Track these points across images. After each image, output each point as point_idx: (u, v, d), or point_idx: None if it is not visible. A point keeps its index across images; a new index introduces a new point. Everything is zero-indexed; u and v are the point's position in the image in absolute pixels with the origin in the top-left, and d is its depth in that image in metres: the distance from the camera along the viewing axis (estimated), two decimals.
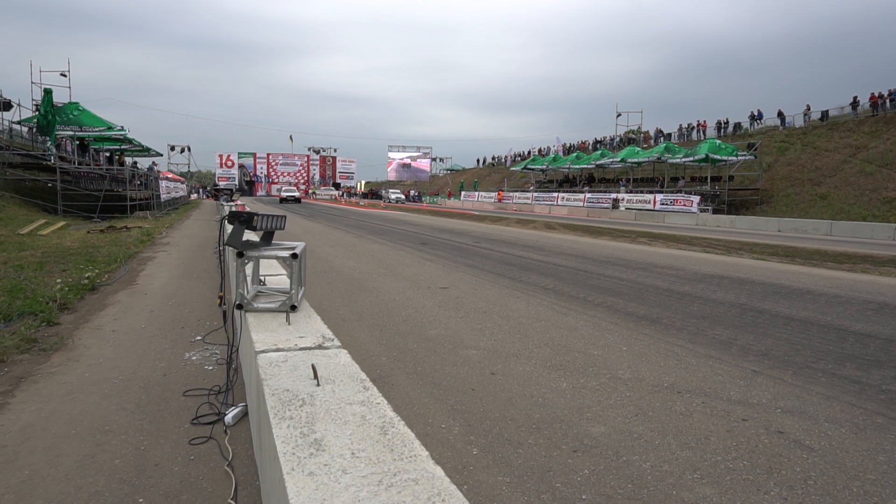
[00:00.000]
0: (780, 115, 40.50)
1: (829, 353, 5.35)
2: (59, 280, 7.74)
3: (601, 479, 2.95)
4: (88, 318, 6.17)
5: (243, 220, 3.34)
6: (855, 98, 35.67)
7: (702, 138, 43.18)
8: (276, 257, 3.43)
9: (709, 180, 35.59)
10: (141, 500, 2.67)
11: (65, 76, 32.95)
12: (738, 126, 43.84)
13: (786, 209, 30.76)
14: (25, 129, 28.10)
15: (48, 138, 23.21)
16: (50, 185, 21.95)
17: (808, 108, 38.69)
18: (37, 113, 24.64)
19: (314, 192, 76.01)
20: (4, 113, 26.21)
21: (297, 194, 56.02)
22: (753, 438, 3.46)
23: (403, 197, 65.42)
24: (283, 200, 51.95)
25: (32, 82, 30.88)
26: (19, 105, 26.85)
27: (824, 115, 37.53)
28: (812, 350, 5.42)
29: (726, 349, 5.42)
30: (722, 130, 44.24)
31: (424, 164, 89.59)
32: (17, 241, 12.80)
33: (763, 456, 3.24)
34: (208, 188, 76.36)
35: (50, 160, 22.51)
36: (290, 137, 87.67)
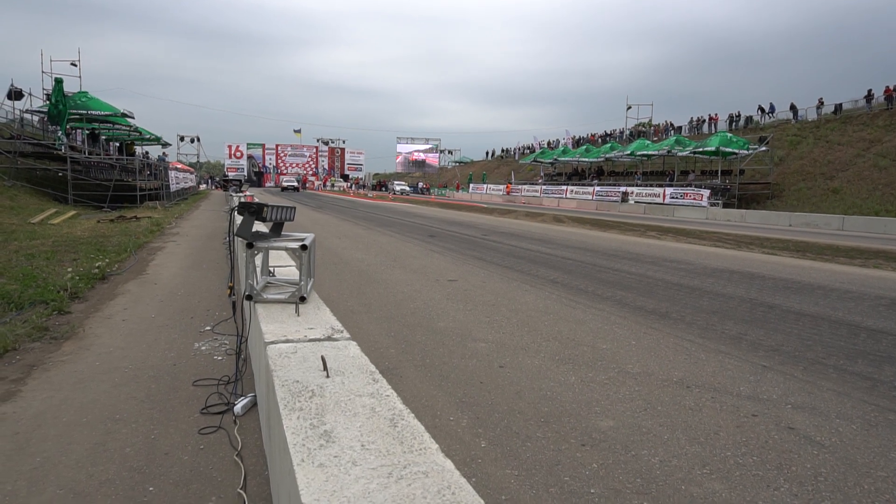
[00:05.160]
0: (793, 108, 40.07)
1: (841, 348, 5.30)
2: (69, 269, 7.80)
3: (610, 474, 2.94)
4: (99, 308, 6.21)
5: (253, 210, 3.34)
6: (869, 91, 35.19)
7: (713, 131, 42.81)
8: (286, 248, 3.43)
9: (719, 174, 35.31)
10: (151, 489, 2.69)
11: (75, 66, 33.04)
12: (749, 119, 43.42)
13: (797, 203, 30.46)
14: (37, 119, 28.27)
15: (59, 128, 23.34)
16: (61, 174, 22.09)
17: (821, 102, 38.24)
18: (48, 102, 24.77)
19: (332, 184, 76.51)
20: (16, 102, 26.38)
21: (296, 184, 64.68)
22: (763, 434, 3.44)
23: (409, 188, 65.94)
24: (284, 189, 61.28)
25: (43, 72, 31.03)
26: (30, 94, 27.02)
27: (837, 108, 37.08)
28: (823, 346, 5.38)
29: (736, 344, 5.38)
30: (733, 124, 43.84)
31: (433, 158, 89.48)
32: (28, 229, 12.90)
33: (773, 452, 3.21)
34: (217, 179, 76.56)
35: (61, 150, 22.64)
36: (298, 131, 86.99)
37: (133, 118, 28.24)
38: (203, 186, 63.57)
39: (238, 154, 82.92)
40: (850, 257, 12.23)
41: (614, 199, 38.49)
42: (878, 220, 23.27)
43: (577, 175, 50.99)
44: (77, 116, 24.76)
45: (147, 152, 39.11)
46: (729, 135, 36.28)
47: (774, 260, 11.90)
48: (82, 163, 23.68)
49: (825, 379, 4.46)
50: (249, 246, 3.26)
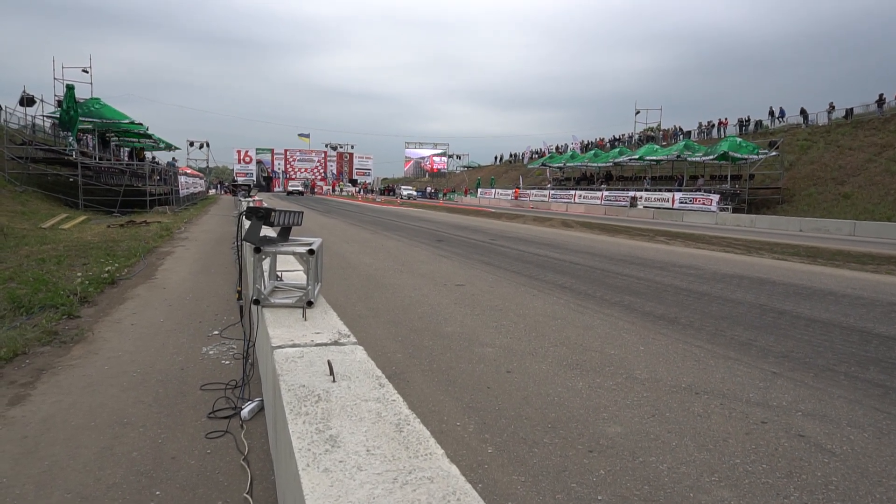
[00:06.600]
0: (803, 112, 39.79)
1: (852, 355, 5.24)
2: (79, 273, 7.86)
3: (617, 480, 2.92)
4: (108, 312, 6.25)
5: (261, 215, 3.35)
6: (881, 96, 34.89)
7: (722, 136, 42.58)
8: (293, 253, 3.44)
9: (729, 179, 35.09)
10: (158, 493, 2.69)
11: (86, 72, 33.32)
12: (759, 124, 43.12)
13: (808, 209, 30.21)
14: (48, 125, 28.55)
15: (70, 133, 23.56)
16: (71, 179, 22.28)
17: (832, 106, 37.95)
18: (59, 108, 25.01)
19: (341, 189, 77.61)
20: (28, 108, 26.66)
21: (301, 188, 69.88)
22: (773, 441, 3.40)
23: (416, 193, 66.46)
24: (290, 193, 65.81)
25: (55, 78, 31.31)
26: (42, 101, 27.30)
27: (849, 112, 36.76)
28: (834, 352, 5.32)
29: (746, 350, 5.34)
30: (743, 128, 43.58)
31: (442, 162, 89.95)
32: (39, 234, 13.02)
33: (783, 459, 3.18)
34: (226, 184, 77.10)
35: (72, 155, 22.86)
36: (306, 136, 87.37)
37: (145, 128, 28.47)
38: (212, 191, 64.12)
39: (247, 159, 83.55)
40: (862, 263, 12.12)
41: (623, 203, 38.35)
42: (889, 226, 23.01)
43: (586, 180, 50.88)
44: (89, 124, 24.97)
45: (154, 157, 39.38)
46: (738, 140, 36.05)
47: (784, 265, 11.81)
48: (93, 168, 23.86)
49: (836, 386, 4.41)
50: (257, 250, 3.28)
